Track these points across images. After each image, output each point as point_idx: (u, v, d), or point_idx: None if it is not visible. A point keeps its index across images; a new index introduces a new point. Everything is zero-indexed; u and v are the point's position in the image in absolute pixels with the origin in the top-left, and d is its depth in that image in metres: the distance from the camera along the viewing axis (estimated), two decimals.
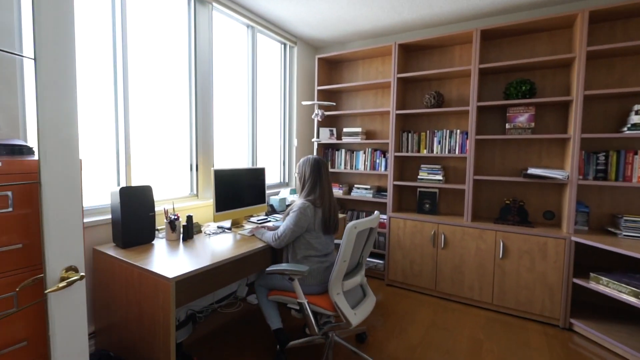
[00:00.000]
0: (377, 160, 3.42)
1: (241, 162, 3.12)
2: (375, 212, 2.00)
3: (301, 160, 2.03)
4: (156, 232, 2.11)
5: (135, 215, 1.86)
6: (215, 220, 2.18)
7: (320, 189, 1.94)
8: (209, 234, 2.16)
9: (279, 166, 3.63)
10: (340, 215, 2.92)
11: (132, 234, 1.85)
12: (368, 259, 3.37)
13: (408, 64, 3.35)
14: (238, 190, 2.40)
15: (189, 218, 2.06)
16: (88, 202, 2.00)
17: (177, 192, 2.51)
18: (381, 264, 3.29)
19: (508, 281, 2.62)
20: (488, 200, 3.03)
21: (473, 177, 2.80)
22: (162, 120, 2.39)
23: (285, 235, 1.89)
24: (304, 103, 3.06)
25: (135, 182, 2.21)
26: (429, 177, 3.11)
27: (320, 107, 3.48)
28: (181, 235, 2.04)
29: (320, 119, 3.21)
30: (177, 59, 2.46)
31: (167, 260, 1.66)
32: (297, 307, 1.89)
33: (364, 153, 3.50)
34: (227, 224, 2.38)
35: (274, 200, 2.95)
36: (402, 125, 3.32)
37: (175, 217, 2.02)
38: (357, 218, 3.63)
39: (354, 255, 1.85)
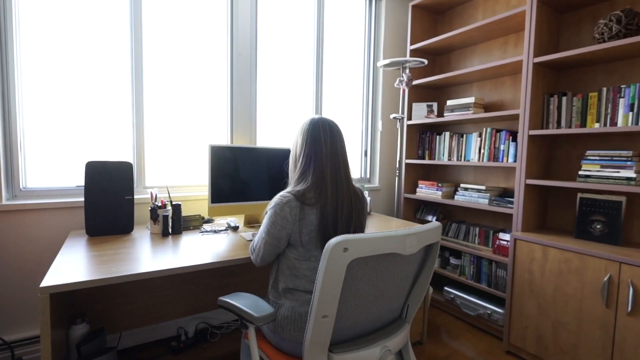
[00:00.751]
0: (502, 147, 2.15)
1: None
2: (433, 222, 0.99)
3: None
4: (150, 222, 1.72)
5: (107, 199, 1.50)
6: (210, 214, 1.61)
7: (317, 173, 1.08)
8: (204, 232, 1.61)
9: (359, 158, 2.81)
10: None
11: (101, 221, 1.49)
12: (475, 300, 2.14)
13: None
14: (253, 176, 1.76)
15: (176, 207, 1.56)
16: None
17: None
18: (499, 314, 2.01)
19: None
20: None
21: None
22: (191, 90, 2.02)
23: (259, 248, 1.13)
24: (380, 64, 2.17)
25: (150, 162, 1.90)
26: (605, 172, 1.67)
27: (406, 68, 2.43)
28: (163, 229, 1.56)
29: (406, 87, 2.23)
30: (210, 15, 2.05)
31: (104, 261, 1.18)
32: None
33: (480, 136, 2.27)
34: (238, 220, 1.78)
35: None
36: (548, 83, 1.95)
37: (159, 205, 1.56)
38: (465, 234, 2.41)
39: (360, 306, 0.91)
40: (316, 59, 2.45)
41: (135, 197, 1.78)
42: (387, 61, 2.16)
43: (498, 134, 2.17)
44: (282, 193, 1.08)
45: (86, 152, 1.76)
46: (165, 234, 1.54)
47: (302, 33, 2.40)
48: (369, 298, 0.91)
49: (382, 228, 1.89)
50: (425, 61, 2.18)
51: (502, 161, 2.13)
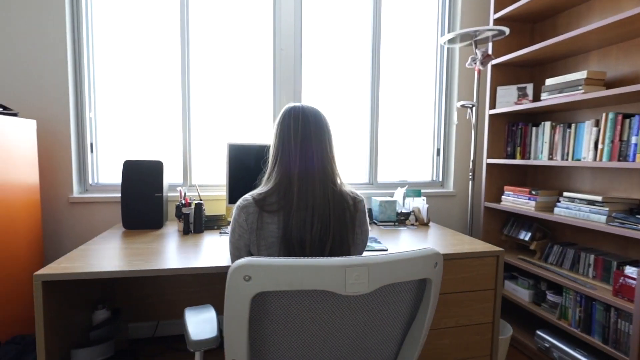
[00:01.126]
0: (632, 139, 1.46)
1: (359, 149, 2.24)
2: (428, 248, 0.67)
3: None
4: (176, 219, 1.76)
5: (141, 195, 1.60)
6: (228, 215, 1.55)
7: (282, 173, 0.87)
8: (223, 233, 1.56)
9: (430, 157, 2.38)
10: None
11: (135, 216, 1.60)
12: (582, 358, 1.50)
13: None
14: None
15: (198, 206, 1.56)
16: None
17: None
18: None
19: None
20: None
21: None
22: (236, 89, 2.03)
23: (229, 258, 0.99)
24: (443, 40, 1.76)
25: (196, 161, 1.98)
26: None
27: (481, 43, 1.87)
28: (185, 227, 1.56)
29: (482, 66, 1.74)
30: (252, 10, 2.02)
31: (112, 254, 1.24)
32: None
33: (596, 125, 1.60)
34: None
35: (374, 203, 1.88)
36: None
37: (183, 203, 1.58)
38: (573, 262, 1.74)
39: (301, 358, 0.66)
40: (373, 45, 2.16)
41: (175, 194, 1.87)
42: (451, 35, 1.73)
43: (626, 120, 1.48)
44: (245, 195, 0.91)
45: (144, 151, 1.94)
46: (186, 232, 1.54)
47: (356, 15, 2.15)
48: (314, 349, 0.66)
49: (427, 246, 1.50)
50: (507, 30, 1.66)
51: (634, 160, 1.45)
